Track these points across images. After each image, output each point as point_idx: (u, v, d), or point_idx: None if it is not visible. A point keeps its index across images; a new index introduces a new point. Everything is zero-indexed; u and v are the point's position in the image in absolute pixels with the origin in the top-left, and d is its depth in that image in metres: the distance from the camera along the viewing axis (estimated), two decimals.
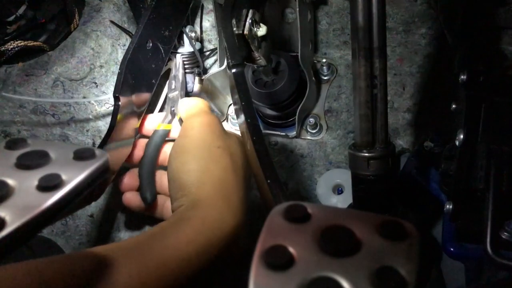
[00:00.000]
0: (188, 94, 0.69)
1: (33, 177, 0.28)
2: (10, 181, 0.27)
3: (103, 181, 0.30)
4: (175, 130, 0.61)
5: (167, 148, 0.60)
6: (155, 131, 0.60)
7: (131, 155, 0.60)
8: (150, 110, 0.67)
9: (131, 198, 0.59)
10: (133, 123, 0.59)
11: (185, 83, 0.68)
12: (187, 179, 0.49)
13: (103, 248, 0.41)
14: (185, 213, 0.46)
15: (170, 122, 0.61)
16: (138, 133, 0.61)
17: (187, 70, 0.70)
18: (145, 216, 0.71)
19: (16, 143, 0.31)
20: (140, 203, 0.59)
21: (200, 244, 0.43)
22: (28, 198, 0.26)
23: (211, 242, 0.44)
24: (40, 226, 0.26)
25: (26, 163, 0.29)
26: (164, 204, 0.60)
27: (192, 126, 0.53)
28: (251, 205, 0.74)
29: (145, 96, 0.61)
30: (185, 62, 0.70)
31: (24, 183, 0.27)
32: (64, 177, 0.28)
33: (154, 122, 0.62)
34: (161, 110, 0.68)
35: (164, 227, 0.45)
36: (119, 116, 0.54)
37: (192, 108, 0.56)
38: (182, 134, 0.53)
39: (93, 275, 0.37)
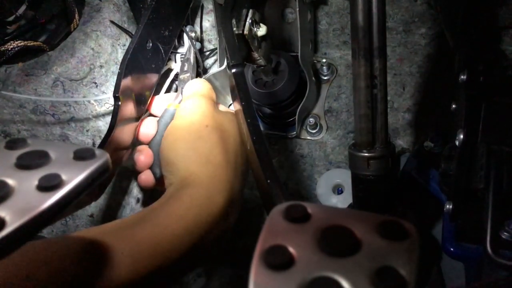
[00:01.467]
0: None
1: (33, 177, 0.28)
2: (10, 181, 0.27)
3: (103, 181, 0.30)
4: None
5: None
6: (166, 110, 0.61)
7: (142, 133, 0.61)
8: None
9: (147, 179, 0.60)
10: (133, 122, 0.59)
11: (196, 65, 0.70)
12: (174, 157, 0.51)
13: (94, 229, 0.43)
14: (174, 192, 0.48)
15: (180, 102, 0.62)
16: (147, 111, 0.64)
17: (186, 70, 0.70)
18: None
19: (16, 143, 0.31)
20: (152, 180, 0.60)
21: (190, 220, 0.45)
22: (28, 198, 0.26)
23: (200, 218, 0.45)
24: (40, 226, 0.26)
25: (26, 163, 0.29)
26: None
27: (183, 108, 0.56)
28: (252, 205, 0.74)
29: (145, 95, 0.61)
30: (184, 62, 0.70)
31: (24, 183, 0.27)
32: (64, 177, 0.28)
33: (165, 101, 0.63)
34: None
35: (154, 207, 0.46)
36: (119, 116, 0.54)
37: (191, 90, 0.58)
38: (175, 115, 0.56)
39: (89, 255, 0.39)
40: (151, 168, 0.60)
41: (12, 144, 0.31)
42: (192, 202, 0.46)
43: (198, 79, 0.62)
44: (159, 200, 0.48)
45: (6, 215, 0.25)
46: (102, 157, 0.30)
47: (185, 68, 0.68)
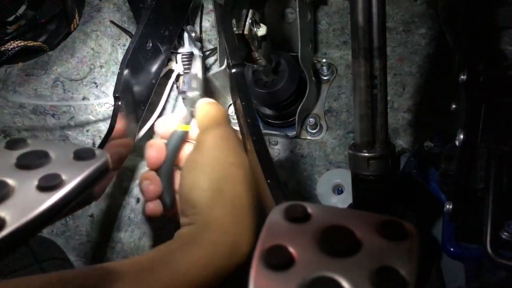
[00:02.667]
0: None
1: (33, 177, 0.28)
2: (10, 181, 0.27)
3: (104, 181, 0.30)
4: (193, 132, 0.58)
5: (185, 149, 0.58)
6: (174, 132, 0.57)
7: (151, 158, 0.56)
8: (151, 110, 0.67)
9: (155, 209, 0.56)
10: (134, 123, 0.59)
11: (204, 82, 0.66)
12: (198, 198, 0.47)
13: (116, 264, 0.40)
14: (195, 236, 0.45)
15: (188, 122, 0.58)
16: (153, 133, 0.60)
17: (186, 70, 0.70)
18: (145, 218, 0.71)
19: (16, 143, 0.31)
20: (161, 209, 0.56)
21: (212, 270, 0.42)
22: (28, 198, 0.26)
23: (224, 268, 0.43)
24: (40, 226, 0.26)
25: (26, 163, 0.29)
26: None
27: (206, 140, 0.50)
28: None
29: (146, 96, 0.61)
30: (184, 62, 0.70)
31: (24, 183, 0.27)
32: (64, 177, 0.28)
33: (170, 122, 0.58)
34: (162, 110, 0.67)
35: (173, 248, 0.44)
36: (119, 116, 0.54)
37: (208, 117, 0.53)
38: (196, 148, 0.51)
39: None
40: (160, 196, 0.56)
41: (12, 144, 0.31)
42: (216, 252, 0.43)
43: (209, 101, 0.56)
44: (178, 240, 0.46)
45: (6, 215, 0.25)
46: (102, 157, 0.30)
47: (193, 85, 0.63)
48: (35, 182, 0.27)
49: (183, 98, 0.64)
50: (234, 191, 0.47)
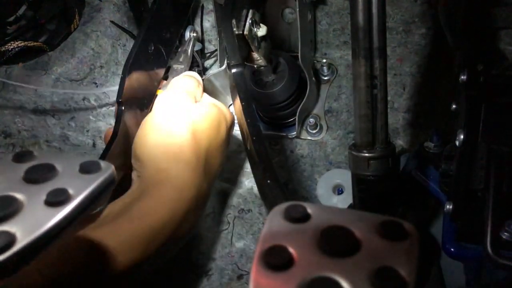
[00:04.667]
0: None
1: (41, 192, 0.28)
2: (19, 196, 0.28)
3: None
4: None
5: None
6: (154, 96, 0.60)
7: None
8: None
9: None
10: (136, 126, 0.59)
11: (191, 59, 0.69)
12: (144, 153, 0.51)
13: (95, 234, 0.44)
14: (145, 188, 0.49)
15: None
16: None
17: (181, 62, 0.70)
18: None
19: (23, 155, 0.31)
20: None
21: (163, 214, 0.47)
22: (37, 214, 0.27)
23: (173, 213, 0.48)
24: (49, 241, 0.26)
25: (34, 177, 0.29)
26: None
27: (160, 101, 0.56)
28: (252, 205, 0.74)
29: (148, 98, 0.61)
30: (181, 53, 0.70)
31: (33, 198, 0.28)
32: (71, 191, 0.28)
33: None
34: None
35: (127, 201, 0.48)
36: (122, 121, 0.54)
37: (174, 83, 0.58)
38: (151, 109, 0.56)
39: (87, 254, 0.41)
40: None
41: (20, 157, 0.31)
42: (163, 199, 0.48)
43: (188, 74, 0.61)
44: (129, 194, 0.50)
45: (16, 231, 0.25)
46: (108, 170, 0.30)
47: (180, 59, 0.67)
48: (43, 197, 0.28)
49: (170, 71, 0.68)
50: (178, 147, 0.51)
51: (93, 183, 0.29)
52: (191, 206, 0.49)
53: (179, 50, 0.69)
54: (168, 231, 0.47)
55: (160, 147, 0.51)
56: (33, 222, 0.26)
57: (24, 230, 0.25)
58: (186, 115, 0.53)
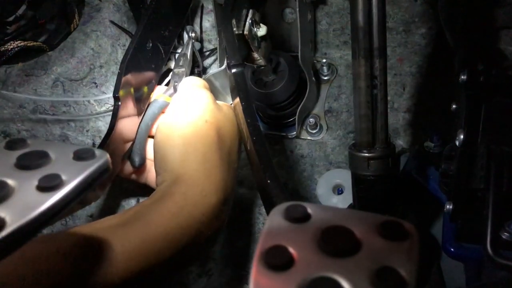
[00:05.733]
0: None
1: (33, 178, 0.28)
2: (10, 181, 0.27)
3: (104, 181, 0.30)
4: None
5: (161, 119, 0.60)
6: (154, 101, 0.60)
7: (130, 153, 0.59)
8: None
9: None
10: (134, 123, 0.59)
11: (192, 62, 0.69)
12: (171, 154, 0.49)
13: (88, 226, 0.42)
14: (167, 189, 0.47)
15: (171, 95, 0.61)
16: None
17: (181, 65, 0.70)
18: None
19: (16, 143, 0.31)
20: (128, 167, 0.59)
21: (183, 219, 0.44)
22: (28, 199, 0.26)
23: (193, 217, 0.44)
24: (40, 226, 0.26)
25: (26, 163, 0.29)
26: (151, 169, 0.60)
27: (181, 99, 0.53)
28: (252, 205, 0.74)
29: (145, 95, 0.61)
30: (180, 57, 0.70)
31: (24, 183, 0.27)
32: (64, 177, 0.28)
33: (155, 93, 0.61)
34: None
35: (146, 204, 0.45)
36: (119, 116, 0.54)
37: (188, 82, 0.57)
38: (171, 107, 0.54)
39: (80, 252, 0.38)
40: (129, 156, 0.59)
41: (12, 144, 0.31)
42: (186, 201, 0.45)
43: (194, 76, 0.60)
44: (151, 197, 0.47)
45: (6, 215, 0.25)
46: (102, 158, 0.30)
47: (181, 63, 0.66)
48: (35, 183, 0.27)
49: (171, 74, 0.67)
50: (206, 147, 0.49)
51: (87, 169, 0.28)
52: (215, 210, 0.47)
53: (179, 53, 0.70)
54: (187, 236, 0.44)
55: (188, 146, 0.48)
56: (24, 207, 0.26)
57: (14, 214, 0.25)
58: (212, 114, 0.51)
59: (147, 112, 0.59)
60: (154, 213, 0.44)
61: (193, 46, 0.70)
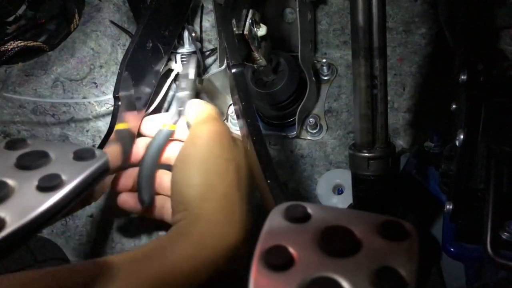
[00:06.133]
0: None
1: (33, 177, 0.28)
2: (10, 181, 0.27)
3: (103, 181, 0.30)
4: (180, 131, 0.59)
5: (170, 148, 0.58)
6: (159, 131, 0.57)
7: (130, 154, 0.58)
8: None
9: (127, 200, 0.58)
10: (134, 123, 0.59)
11: (195, 83, 0.65)
12: (190, 193, 0.47)
13: (100, 260, 0.40)
14: (185, 228, 0.45)
15: (175, 122, 0.59)
16: (139, 132, 0.60)
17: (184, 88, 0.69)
18: (144, 218, 0.71)
19: (16, 143, 0.31)
20: (136, 204, 0.57)
21: (200, 260, 0.43)
22: (28, 198, 0.26)
23: (211, 259, 0.43)
24: (40, 226, 0.26)
25: (26, 163, 0.29)
26: (164, 205, 0.57)
27: (199, 135, 0.51)
28: (252, 205, 0.73)
29: (145, 96, 0.61)
30: (183, 62, 0.70)
31: (24, 183, 0.27)
32: (64, 177, 0.28)
33: (157, 121, 0.60)
34: (158, 108, 0.67)
35: (164, 242, 0.44)
36: (119, 116, 0.54)
37: (201, 112, 0.54)
38: (189, 142, 0.51)
39: (93, 285, 0.36)
40: (138, 194, 0.56)
41: (12, 144, 0.31)
42: (204, 243, 0.44)
43: (200, 101, 0.57)
44: (168, 234, 0.46)
45: (6, 215, 0.25)
46: (102, 158, 0.30)
47: (183, 85, 0.63)
48: (35, 183, 0.27)
49: (176, 81, 0.65)
50: (225, 185, 0.47)
51: (86, 169, 0.28)
52: (234, 250, 0.45)
53: (180, 75, 0.66)
54: (202, 278, 0.42)
55: (208, 187, 0.47)
56: (24, 207, 0.26)
57: (14, 214, 0.25)
58: (230, 151, 0.50)
59: (151, 144, 0.57)
60: (170, 253, 0.42)
61: (198, 63, 0.67)
